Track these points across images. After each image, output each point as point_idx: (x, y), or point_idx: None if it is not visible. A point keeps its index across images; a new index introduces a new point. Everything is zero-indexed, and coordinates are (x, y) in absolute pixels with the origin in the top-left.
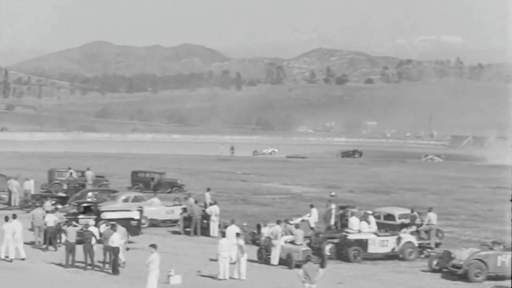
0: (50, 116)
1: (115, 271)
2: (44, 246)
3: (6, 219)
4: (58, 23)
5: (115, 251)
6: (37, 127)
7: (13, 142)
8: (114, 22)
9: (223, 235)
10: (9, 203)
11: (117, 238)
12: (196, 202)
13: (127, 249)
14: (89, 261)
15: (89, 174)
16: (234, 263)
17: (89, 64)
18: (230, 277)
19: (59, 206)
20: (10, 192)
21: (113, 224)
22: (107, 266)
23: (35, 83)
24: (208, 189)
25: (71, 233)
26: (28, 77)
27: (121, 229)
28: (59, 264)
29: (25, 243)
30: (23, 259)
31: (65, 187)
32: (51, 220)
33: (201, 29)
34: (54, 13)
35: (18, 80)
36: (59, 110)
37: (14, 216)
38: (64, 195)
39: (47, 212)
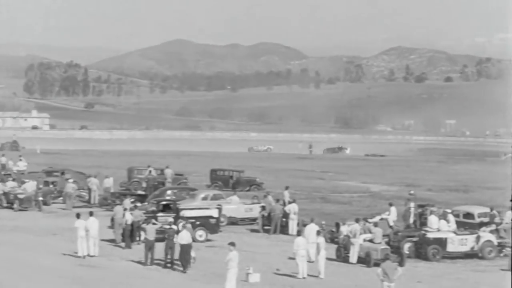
0: (129, 114)
1: (185, 267)
2: (124, 243)
3: (78, 216)
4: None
5: (184, 248)
6: (116, 125)
7: (93, 140)
8: (193, 21)
9: (299, 233)
10: (88, 201)
11: (187, 236)
12: (277, 200)
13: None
14: (169, 259)
15: (168, 172)
16: (312, 261)
17: (168, 62)
18: (308, 275)
19: (138, 204)
20: (89, 190)
21: (183, 222)
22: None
23: (114, 81)
24: (287, 187)
25: (150, 231)
26: (107, 76)
27: (189, 227)
28: (138, 262)
29: (105, 240)
30: (93, 256)
31: (144, 185)
32: (130, 218)
33: (280, 28)
34: (134, 12)
35: (97, 79)
36: (138, 108)
37: (91, 214)
38: (143, 193)
39: (125, 209)
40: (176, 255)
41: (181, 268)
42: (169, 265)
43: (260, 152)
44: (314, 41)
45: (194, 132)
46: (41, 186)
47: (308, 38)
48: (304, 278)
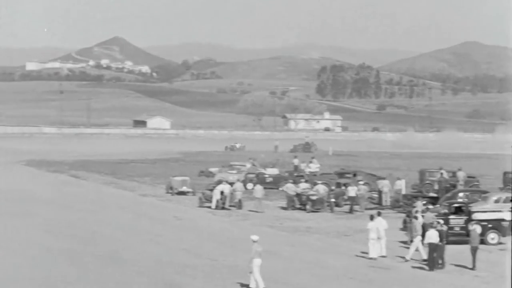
0: (421, 116)
1: (431, 267)
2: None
3: (371, 218)
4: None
5: (432, 247)
6: (408, 127)
7: (385, 142)
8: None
9: None
10: (379, 203)
11: (434, 235)
12: None
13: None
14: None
15: (461, 175)
16: None
17: (459, 64)
18: None
19: (430, 206)
20: (380, 192)
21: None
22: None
23: (406, 83)
24: None
25: (432, 235)
26: (399, 78)
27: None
28: (421, 266)
29: (396, 241)
30: (383, 256)
31: (436, 187)
32: (421, 220)
33: None
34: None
35: (389, 81)
36: (429, 110)
37: (379, 214)
38: (435, 195)
39: (417, 212)
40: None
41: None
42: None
43: (234, 150)
44: None
45: (485, 134)
46: (333, 187)
47: None
48: None
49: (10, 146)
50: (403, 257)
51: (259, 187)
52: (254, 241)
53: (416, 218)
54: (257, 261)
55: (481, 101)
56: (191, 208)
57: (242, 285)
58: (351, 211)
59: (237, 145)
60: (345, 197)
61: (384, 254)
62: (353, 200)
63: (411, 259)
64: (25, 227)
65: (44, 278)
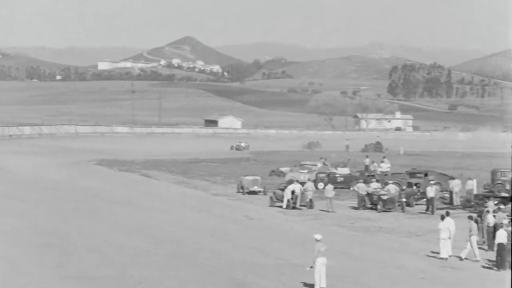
0: (492, 116)
1: (500, 267)
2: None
3: (442, 218)
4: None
5: (500, 247)
6: (479, 127)
7: (456, 141)
8: None
9: None
10: (451, 203)
11: (504, 235)
12: None
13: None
14: None
15: None
16: None
17: None
18: None
19: (502, 206)
20: (451, 192)
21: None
22: None
23: (477, 83)
24: None
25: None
26: (471, 77)
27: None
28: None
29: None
30: (449, 256)
31: (508, 187)
32: (493, 220)
33: None
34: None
35: (461, 80)
36: (501, 110)
37: (447, 214)
38: (507, 195)
39: (488, 212)
40: None
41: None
42: None
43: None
44: None
45: None
46: (404, 187)
47: None
48: None
49: (81, 145)
50: (459, 257)
51: (330, 187)
52: (317, 240)
53: (471, 218)
54: (320, 260)
55: None
56: (262, 208)
57: (307, 285)
58: (431, 211)
59: (242, 144)
60: (417, 195)
61: (452, 254)
62: (432, 201)
63: (466, 258)
64: (96, 225)
65: (115, 276)
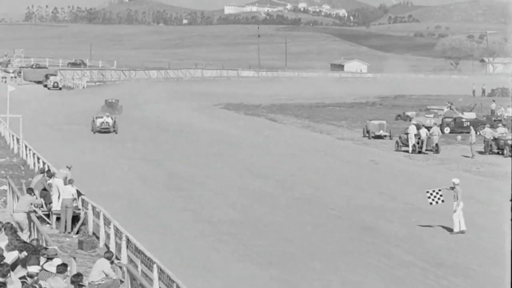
0: None
1: None
2: None
3: None
4: None
5: None
6: None
7: None
8: None
9: None
10: None
11: None
12: None
13: None
14: None
15: None
16: None
17: None
18: None
19: None
20: None
21: None
22: None
23: None
24: None
25: None
26: None
27: None
28: None
29: None
30: None
31: None
32: None
33: None
34: None
35: None
36: None
37: None
38: None
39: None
40: None
41: None
42: None
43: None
44: None
45: None
46: None
47: None
48: None
49: (208, 89)
50: None
51: (473, 132)
52: (456, 184)
53: None
54: (461, 204)
55: None
56: (388, 152)
57: (442, 227)
58: None
59: None
60: None
61: None
62: None
63: None
64: (223, 168)
65: (241, 219)
